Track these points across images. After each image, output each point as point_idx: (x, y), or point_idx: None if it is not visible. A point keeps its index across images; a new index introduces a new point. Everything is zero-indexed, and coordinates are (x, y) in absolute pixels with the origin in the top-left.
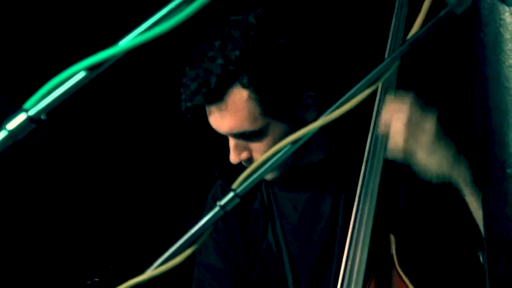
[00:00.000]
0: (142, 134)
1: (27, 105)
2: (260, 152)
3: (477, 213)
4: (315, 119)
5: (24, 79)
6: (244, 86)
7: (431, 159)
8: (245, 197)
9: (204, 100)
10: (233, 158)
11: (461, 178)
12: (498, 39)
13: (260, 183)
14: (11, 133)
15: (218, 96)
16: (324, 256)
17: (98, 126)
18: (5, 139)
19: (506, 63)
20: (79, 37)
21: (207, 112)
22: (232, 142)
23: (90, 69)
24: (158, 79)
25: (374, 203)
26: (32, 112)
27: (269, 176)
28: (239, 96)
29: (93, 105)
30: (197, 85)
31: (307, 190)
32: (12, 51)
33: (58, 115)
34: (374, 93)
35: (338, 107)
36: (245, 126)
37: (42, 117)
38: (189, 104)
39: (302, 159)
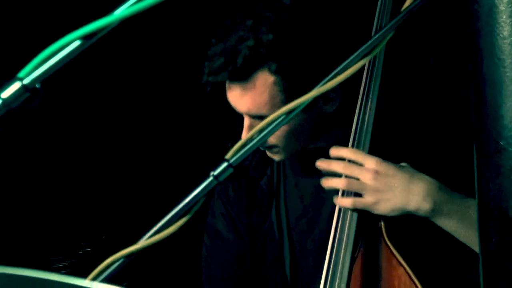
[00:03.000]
0: (135, 107)
1: (21, 73)
2: (273, 135)
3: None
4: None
5: (19, 49)
6: (271, 72)
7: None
8: (254, 171)
9: (228, 77)
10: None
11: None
12: (492, 10)
13: (271, 159)
14: (5, 101)
15: (243, 76)
16: (323, 249)
17: (93, 101)
18: None
19: (501, 35)
20: (75, 6)
21: (227, 87)
22: (247, 121)
23: (85, 38)
24: (156, 58)
25: None
26: (26, 81)
27: (276, 157)
28: (264, 80)
29: (88, 81)
30: (223, 62)
31: (314, 177)
32: (7, 20)
33: (55, 86)
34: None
35: (331, 79)
36: (264, 110)
37: (37, 86)
38: (210, 78)
39: (314, 142)
